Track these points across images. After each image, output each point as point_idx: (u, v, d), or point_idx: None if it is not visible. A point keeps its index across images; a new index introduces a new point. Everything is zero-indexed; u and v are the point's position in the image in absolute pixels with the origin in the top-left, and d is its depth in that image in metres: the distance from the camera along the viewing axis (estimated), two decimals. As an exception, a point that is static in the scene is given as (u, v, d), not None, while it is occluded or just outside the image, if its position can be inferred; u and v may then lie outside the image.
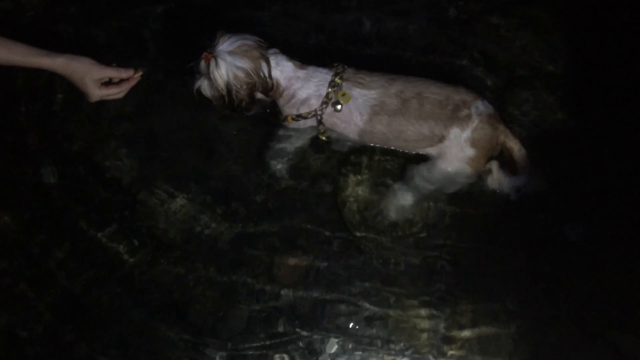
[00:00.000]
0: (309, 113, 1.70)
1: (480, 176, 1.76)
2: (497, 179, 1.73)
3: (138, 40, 2.09)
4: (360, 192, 1.83)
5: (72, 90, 1.66)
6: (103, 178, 1.88)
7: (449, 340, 1.67)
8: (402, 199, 1.79)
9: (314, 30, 2.11)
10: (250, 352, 1.66)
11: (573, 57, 2.02)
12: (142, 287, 1.73)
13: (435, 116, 1.64)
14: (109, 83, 1.61)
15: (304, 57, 1.77)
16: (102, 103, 1.67)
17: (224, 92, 1.62)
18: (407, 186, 1.78)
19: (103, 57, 1.60)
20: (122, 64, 1.63)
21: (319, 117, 1.70)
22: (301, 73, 1.69)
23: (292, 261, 1.76)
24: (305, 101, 1.70)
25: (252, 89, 1.64)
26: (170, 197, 1.85)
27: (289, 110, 1.74)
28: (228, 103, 1.65)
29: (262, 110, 1.87)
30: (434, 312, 1.70)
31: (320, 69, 1.71)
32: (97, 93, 1.59)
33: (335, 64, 1.73)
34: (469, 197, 1.81)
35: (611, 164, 1.84)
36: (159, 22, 2.12)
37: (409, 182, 1.78)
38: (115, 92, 1.62)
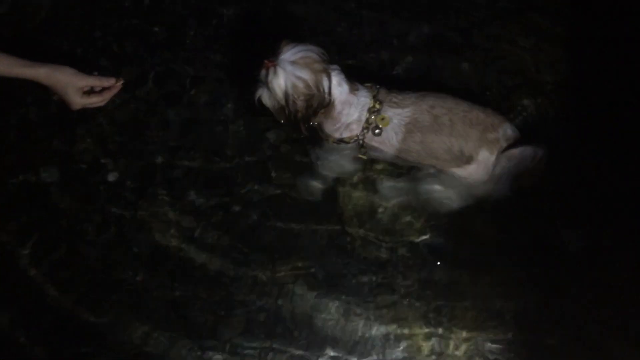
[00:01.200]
0: (350, 138, 1.69)
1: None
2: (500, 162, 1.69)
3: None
4: (360, 196, 1.85)
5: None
6: (103, 180, 1.88)
7: (445, 347, 1.68)
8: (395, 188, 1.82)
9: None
10: (249, 354, 1.67)
11: (574, 65, 2.03)
12: (141, 290, 1.74)
13: (466, 135, 1.62)
14: (90, 92, 1.65)
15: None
16: (103, 110, 1.69)
17: (283, 102, 1.58)
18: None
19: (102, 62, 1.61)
20: (103, 73, 1.67)
21: (360, 142, 1.69)
22: (353, 99, 1.66)
23: (290, 264, 1.77)
24: (347, 126, 1.68)
25: (309, 101, 1.59)
26: (169, 201, 1.85)
27: (332, 131, 1.71)
28: (288, 114, 1.61)
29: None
30: (431, 317, 1.71)
31: (363, 93, 1.67)
32: (78, 101, 1.63)
33: (369, 84, 1.70)
34: (466, 204, 1.80)
35: (611, 171, 1.85)
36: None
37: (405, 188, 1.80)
38: (97, 101, 1.66)
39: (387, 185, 1.85)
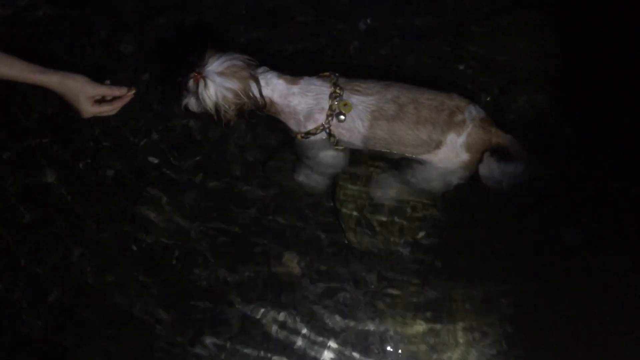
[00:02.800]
0: (316, 129, 1.70)
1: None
2: (487, 165, 1.71)
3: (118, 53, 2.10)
4: (357, 192, 1.84)
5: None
6: (100, 179, 1.89)
7: (444, 344, 1.67)
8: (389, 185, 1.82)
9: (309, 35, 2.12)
10: (248, 352, 1.67)
11: (569, 61, 2.02)
12: (139, 289, 1.74)
13: (432, 121, 1.65)
14: (101, 100, 1.65)
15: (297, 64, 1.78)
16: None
17: (212, 112, 1.63)
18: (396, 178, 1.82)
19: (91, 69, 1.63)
20: (115, 82, 1.67)
21: (327, 131, 1.70)
22: (295, 89, 1.69)
23: (289, 263, 1.77)
24: (309, 116, 1.70)
25: (240, 109, 1.64)
26: (167, 200, 1.85)
27: (295, 127, 1.74)
28: (217, 120, 1.66)
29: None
30: (429, 316, 1.70)
31: (314, 81, 1.70)
32: (90, 110, 1.63)
33: (327, 73, 1.72)
34: (464, 201, 1.81)
35: (608, 168, 1.84)
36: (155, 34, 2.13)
37: (399, 180, 1.81)
38: (108, 110, 1.66)
39: (382, 178, 1.85)
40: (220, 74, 1.59)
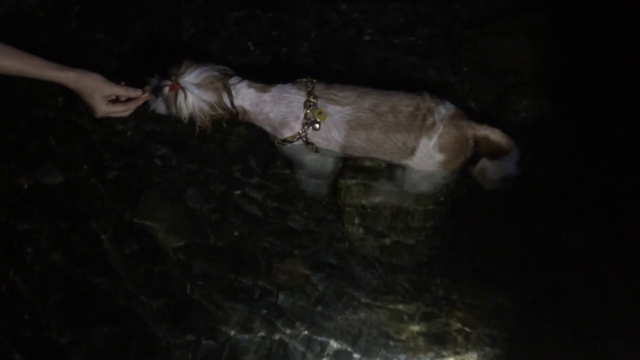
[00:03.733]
0: (293, 137, 1.69)
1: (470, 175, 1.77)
2: (480, 167, 1.72)
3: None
4: (358, 193, 1.84)
5: (73, 101, 1.74)
6: (104, 180, 1.90)
7: (444, 345, 1.68)
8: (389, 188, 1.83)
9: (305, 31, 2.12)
10: (248, 353, 1.68)
11: (571, 63, 2.02)
12: (140, 290, 1.75)
13: (407, 128, 1.64)
14: (115, 101, 1.65)
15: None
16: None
17: (185, 121, 1.63)
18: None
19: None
20: (130, 82, 1.66)
21: (304, 139, 1.69)
22: (267, 96, 1.68)
23: (290, 263, 1.78)
24: (283, 124, 1.69)
25: (215, 119, 1.65)
26: (171, 200, 1.86)
27: (272, 132, 1.73)
28: (188, 125, 1.66)
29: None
30: (430, 317, 1.71)
31: (287, 89, 1.69)
32: (104, 109, 1.62)
33: (303, 79, 1.71)
34: (465, 203, 1.82)
35: (610, 170, 1.84)
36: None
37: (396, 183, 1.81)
38: (122, 110, 1.65)
39: (379, 183, 1.85)
40: (198, 85, 1.59)
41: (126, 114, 1.68)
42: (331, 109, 1.66)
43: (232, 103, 1.65)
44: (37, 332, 1.70)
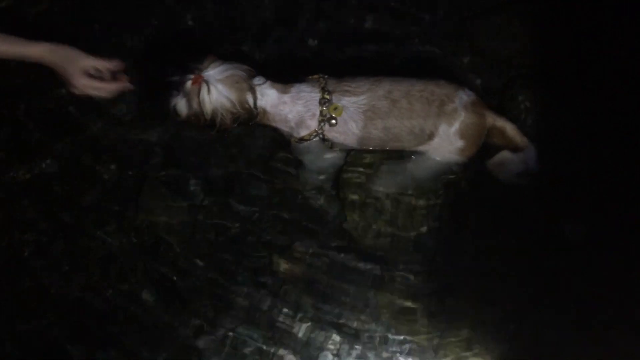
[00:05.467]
0: (310, 134, 1.69)
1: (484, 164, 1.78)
2: (499, 158, 1.73)
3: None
4: (359, 185, 1.84)
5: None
6: (104, 172, 1.89)
7: (444, 337, 1.68)
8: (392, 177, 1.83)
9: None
10: (250, 345, 1.68)
11: (574, 54, 2.00)
12: (142, 282, 1.74)
13: (424, 114, 1.64)
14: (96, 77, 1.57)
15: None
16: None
17: (207, 117, 1.60)
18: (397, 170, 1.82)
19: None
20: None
21: (321, 136, 1.69)
22: (287, 97, 1.67)
23: (291, 257, 1.78)
24: (300, 123, 1.69)
25: (235, 118, 1.63)
26: (172, 194, 1.85)
27: (288, 132, 1.73)
28: (205, 123, 1.64)
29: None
30: (431, 310, 1.70)
31: (303, 87, 1.69)
32: (81, 82, 1.55)
33: (315, 76, 1.71)
34: (466, 196, 1.82)
35: (611, 162, 1.83)
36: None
37: (400, 170, 1.81)
38: (101, 87, 1.58)
39: (383, 171, 1.85)
40: (222, 81, 1.57)
41: (107, 94, 1.61)
42: (346, 101, 1.66)
43: (255, 104, 1.64)
44: (36, 326, 1.70)
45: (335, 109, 1.65)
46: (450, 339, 1.67)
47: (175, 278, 1.75)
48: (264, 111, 1.68)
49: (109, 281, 1.75)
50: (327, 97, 1.66)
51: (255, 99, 1.64)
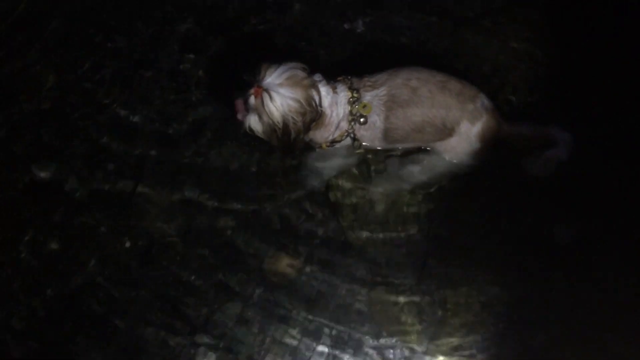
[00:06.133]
0: (341, 135, 1.68)
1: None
2: (544, 158, 1.71)
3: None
4: (351, 187, 1.85)
5: (67, 94, 1.68)
6: (100, 172, 1.90)
7: (436, 340, 1.67)
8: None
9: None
10: (243, 347, 1.67)
11: (566, 59, 2.02)
12: (134, 285, 1.74)
13: (446, 106, 1.62)
14: None
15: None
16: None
17: (280, 126, 1.55)
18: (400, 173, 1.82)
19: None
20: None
21: (352, 136, 1.68)
22: (336, 98, 1.65)
23: (284, 258, 1.78)
24: (338, 124, 1.68)
25: (304, 118, 1.57)
26: (166, 196, 1.86)
27: (322, 137, 1.71)
28: (281, 136, 1.59)
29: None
30: (423, 310, 1.70)
31: (341, 88, 1.67)
32: None
33: (340, 78, 1.70)
34: (457, 198, 1.82)
35: (600, 166, 1.84)
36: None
37: (405, 172, 1.81)
38: None
39: (387, 174, 1.86)
40: (282, 85, 1.52)
41: None
42: (369, 96, 1.65)
43: (320, 102, 1.59)
44: (33, 325, 1.70)
45: (365, 106, 1.64)
46: (442, 341, 1.67)
47: (168, 279, 1.75)
48: (324, 113, 1.63)
49: (103, 283, 1.75)
50: (356, 95, 1.64)
51: (320, 96, 1.60)
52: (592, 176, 1.82)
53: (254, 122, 1.59)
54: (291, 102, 1.53)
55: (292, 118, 1.54)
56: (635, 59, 1.97)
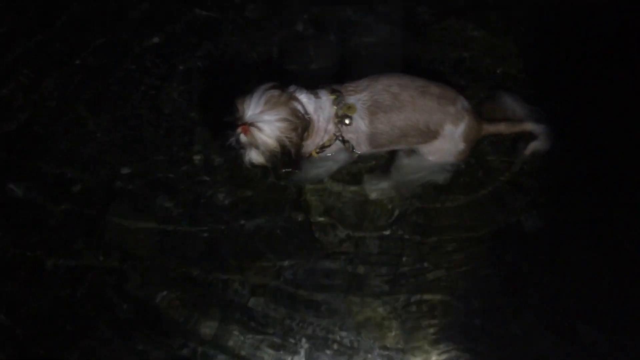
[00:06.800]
0: (330, 140, 1.67)
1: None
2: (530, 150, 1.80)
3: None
4: (325, 193, 1.87)
5: (43, 111, 1.70)
6: (70, 192, 1.90)
7: (413, 338, 1.68)
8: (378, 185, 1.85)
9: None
10: (223, 356, 1.67)
11: (526, 58, 2.05)
12: (111, 300, 1.74)
13: (429, 110, 1.63)
14: None
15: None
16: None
17: (278, 150, 1.54)
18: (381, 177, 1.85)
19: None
20: None
21: (340, 138, 1.67)
22: (319, 102, 1.64)
23: (261, 265, 1.78)
24: (325, 128, 1.66)
25: (297, 131, 1.56)
26: (137, 209, 1.87)
27: (312, 146, 1.70)
28: (283, 157, 1.58)
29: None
30: (401, 311, 1.71)
31: (323, 91, 1.67)
32: None
33: (322, 85, 1.70)
34: (428, 195, 1.85)
35: (568, 158, 1.87)
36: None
37: (387, 175, 1.84)
38: None
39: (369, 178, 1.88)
40: (263, 112, 1.50)
41: None
42: (352, 99, 1.64)
43: (305, 110, 1.59)
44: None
45: (349, 107, 1.63)
46: (418, 338, 1.67)
47: (145, 291, 1.75)
48: (310, 119, 1.62)
49: (78, 299, 1.74)
50: (339, 96, 1.64)
51: (302, 104, 1.58)
52: (560, 167, 1.85)
53: (254, 156, 1.58)
54: (279, 124, 1.51)
55: (286, 137, 1.53)
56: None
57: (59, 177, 1.92)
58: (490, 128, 1.75)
